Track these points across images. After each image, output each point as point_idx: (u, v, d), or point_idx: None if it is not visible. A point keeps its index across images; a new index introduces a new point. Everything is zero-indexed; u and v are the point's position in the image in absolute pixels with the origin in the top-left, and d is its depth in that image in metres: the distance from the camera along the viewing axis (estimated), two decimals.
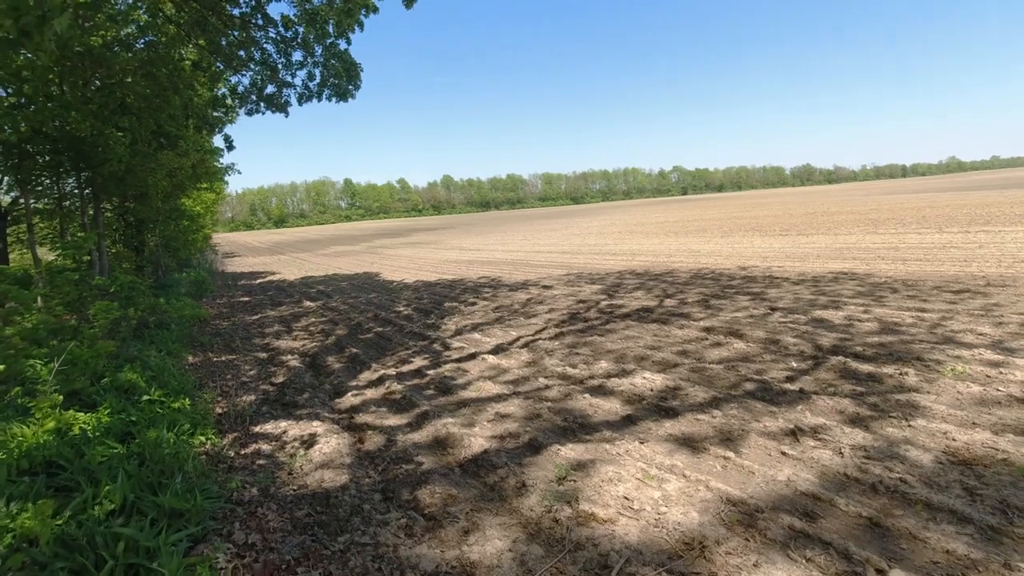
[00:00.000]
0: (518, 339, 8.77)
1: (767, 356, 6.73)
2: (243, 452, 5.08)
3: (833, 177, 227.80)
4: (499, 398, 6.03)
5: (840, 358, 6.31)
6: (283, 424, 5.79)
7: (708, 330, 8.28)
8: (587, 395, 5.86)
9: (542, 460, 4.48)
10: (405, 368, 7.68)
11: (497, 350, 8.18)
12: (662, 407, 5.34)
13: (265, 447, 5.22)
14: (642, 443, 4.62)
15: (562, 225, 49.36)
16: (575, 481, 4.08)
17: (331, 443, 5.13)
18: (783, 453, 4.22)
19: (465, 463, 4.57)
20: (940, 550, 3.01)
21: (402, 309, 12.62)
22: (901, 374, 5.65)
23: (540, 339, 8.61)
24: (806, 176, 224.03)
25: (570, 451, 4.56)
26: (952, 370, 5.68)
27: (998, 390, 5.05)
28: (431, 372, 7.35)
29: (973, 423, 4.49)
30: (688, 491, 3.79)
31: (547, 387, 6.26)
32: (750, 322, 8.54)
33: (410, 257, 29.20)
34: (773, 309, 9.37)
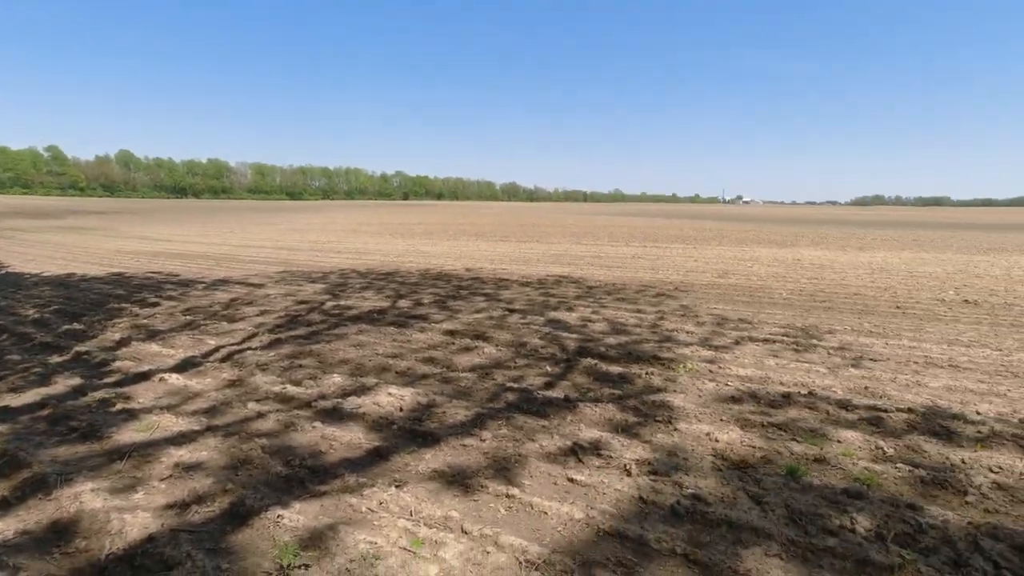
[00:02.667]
0: (217, 350, 6.64)
1: (520, 360, 6.22)
2: None
3: (534, 196, 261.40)
4: (184, 439, 4.11)
5: (589, 360, 6.14)
6: None
7: (451, 333, 7.52)
8: (318, 423, 4.38)
9: (254, 537, 2.91)
10: (17, 400, 4.96)
11: (185, 366, 5.97)
12: (418, 432, 4.23)
13: None
14: (400, 487, 3.42)
15: (280, 219, 44.67)
16: (308, 567, 2.67)
17: None
18: (571, 480, 3.52)
19: (110, 565, 2.71)
20: None
21: (31, 312, 8.84)
22: (648, 374, 5.66)
23: (249, 349, 6.66)
24: (512, 192, 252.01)
25: (297, 515, 3.09)
26: (684, 367, 5.95)
27: (727, 385, 5.35)
28: (69, 403, 4.85)
29: (721, 420, 4.54)
30: (475, 557, 2.75)
31: (260, 415, 4.56)
32: (492, 324, 8.09)
33: (65, 245, 22.24)
34: (510, 311, 9.17)
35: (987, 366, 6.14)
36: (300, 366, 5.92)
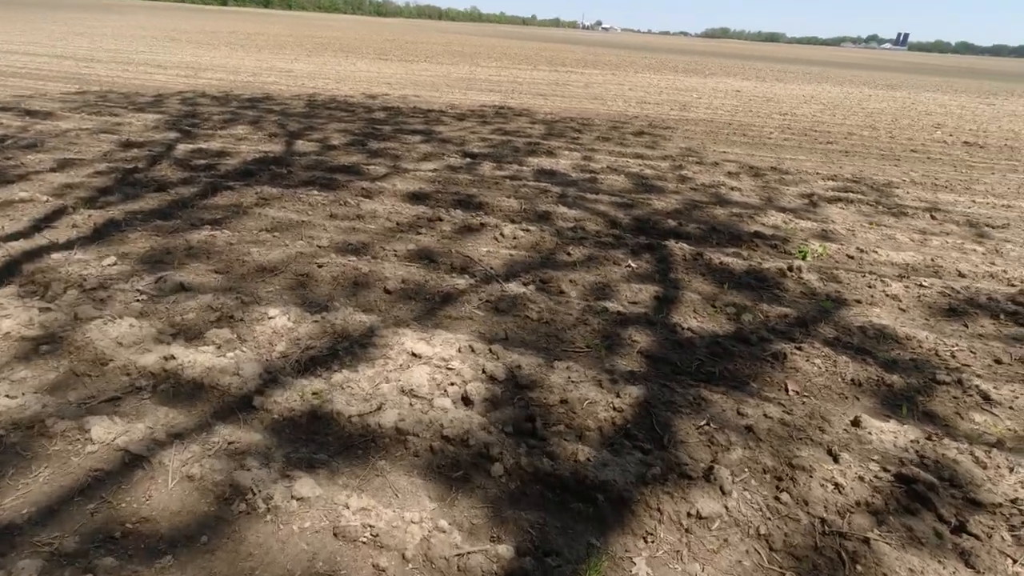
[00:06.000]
0: None
1: (573, 249, 3.81)
2: None
3: (382, 10, 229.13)
4: None
5: (675, 244, 3.92)
6: None
7: (419, 198, 4.78)
8: (301, 475, 1.79)
9: None
10: None
11: None
12: (576, 485, 1.85)
13: None
14: None
15: (51, 18, 33.12)
16: None
17: None
18: None
19: None
20: None
21: None
22: (792, 271, 3.62)
23: (55, 247, 3.43)
24: (356, 5, 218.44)
25: None
26: (812, 253, 4.00)
27: (910, 282, 3.51)
28: None
29: (999, 361, 2.73)
30: None
31: (129, 457, 1.83)
32: (469, 180, 5.40)
33: None
34: (470, 156, 6.44)
35: None
36: (183, 287, 2.97)
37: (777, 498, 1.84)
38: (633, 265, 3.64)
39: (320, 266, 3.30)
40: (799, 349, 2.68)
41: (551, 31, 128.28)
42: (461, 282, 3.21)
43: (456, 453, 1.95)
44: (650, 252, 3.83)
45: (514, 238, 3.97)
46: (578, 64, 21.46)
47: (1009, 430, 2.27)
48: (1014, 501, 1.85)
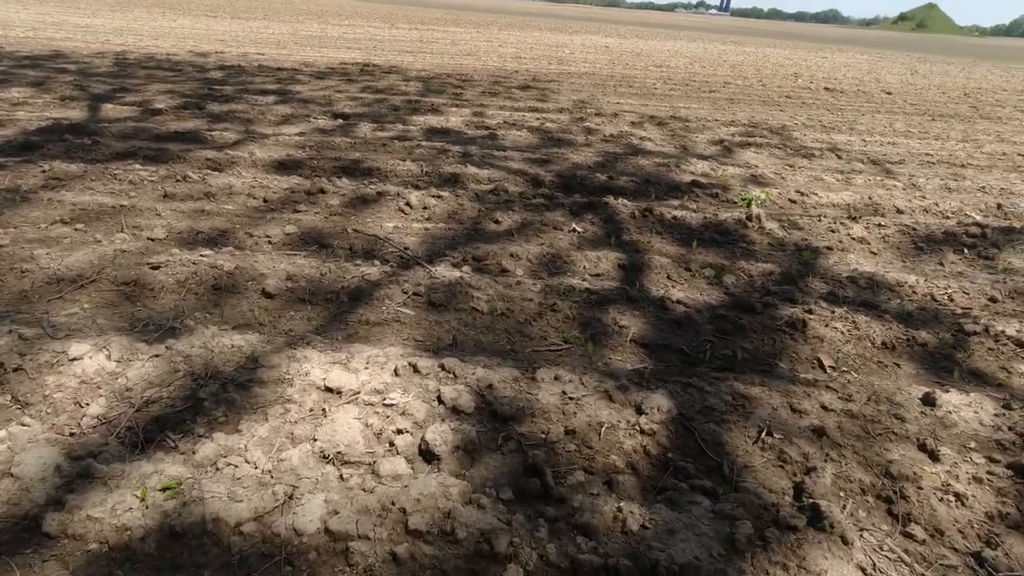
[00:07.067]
0: None
1: (500, 215, 3.08)
2: None
3: None
4: None
5: (620, 201, 3.34)
6: None
7: (286, 167, 3.75)
8: None
9: None
10: None
11: None
12: (556, 574, 1.16)
13: None
14: None
15: None
16: None
17: None
18: None
19: None
20: None
21: None
22: (752, 222, 3.19)
23: None
24: None
25: None
26: (756, 200, 3.63)
27: (879, 227, 3.25)
28: None
29: (994, 300, 2.49)
30: None
31: None
32: (348, 144, 4.41)
33: None
34: (342, 116, 5.42)
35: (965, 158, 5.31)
36: None
37: (907, 533, 1.31)
38: (579, 228, 2.99)
39: (155, 267, 2.24)
40: (810, 312, 2.21)
41: None
42: (372, 271, 2.35)
43: (439, 558, 1.17)
44: (592, 211, 3.21)
45: (424, 208, 3.13)
46: (439, 23, 20.24)
47: None
48: None
